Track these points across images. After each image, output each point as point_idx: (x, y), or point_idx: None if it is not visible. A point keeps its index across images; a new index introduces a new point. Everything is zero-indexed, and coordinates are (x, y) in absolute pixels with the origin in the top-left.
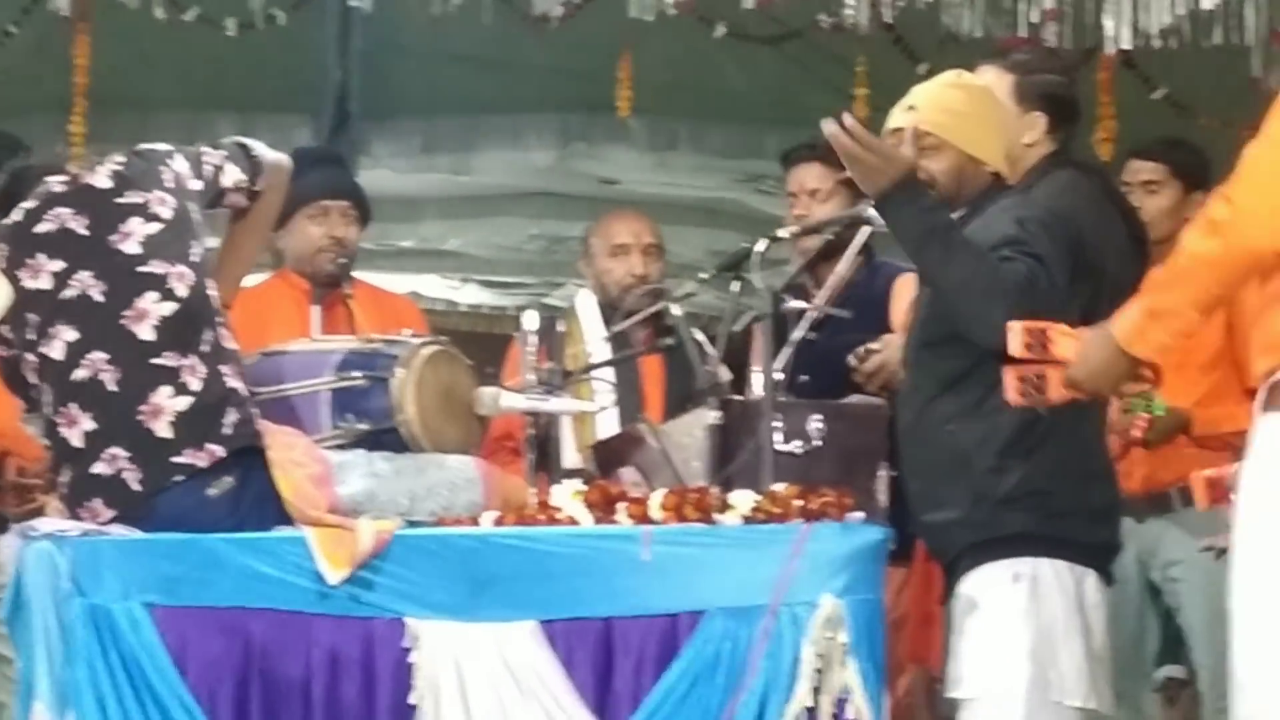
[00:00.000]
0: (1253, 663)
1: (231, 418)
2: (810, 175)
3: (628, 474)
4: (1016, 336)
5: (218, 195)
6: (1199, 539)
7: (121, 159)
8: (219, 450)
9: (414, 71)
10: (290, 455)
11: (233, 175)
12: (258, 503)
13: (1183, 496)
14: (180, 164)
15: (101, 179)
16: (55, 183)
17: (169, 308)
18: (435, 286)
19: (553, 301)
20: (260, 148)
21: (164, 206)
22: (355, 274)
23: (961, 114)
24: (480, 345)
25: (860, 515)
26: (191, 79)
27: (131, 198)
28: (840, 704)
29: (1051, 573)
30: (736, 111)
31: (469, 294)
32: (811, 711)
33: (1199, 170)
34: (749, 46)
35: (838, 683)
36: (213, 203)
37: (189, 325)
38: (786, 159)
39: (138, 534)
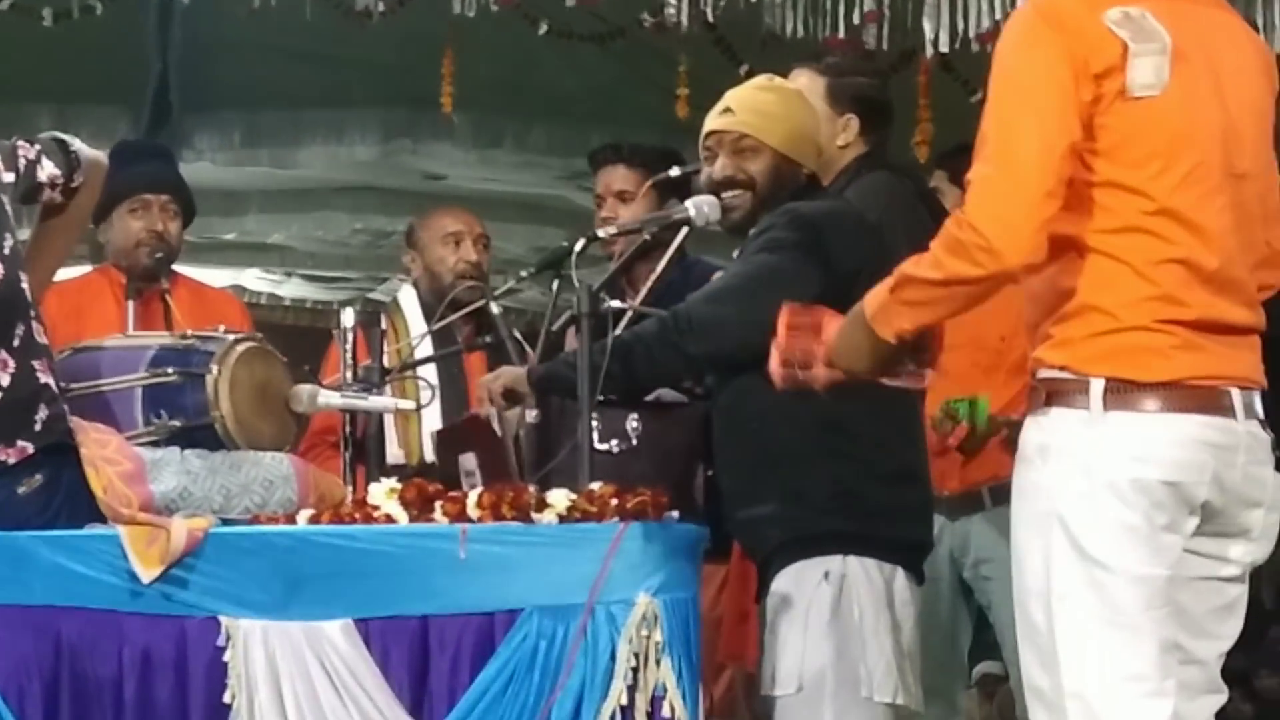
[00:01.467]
0: (1031, 653)
1: (42, 414)
2: (616, 177)
3: (465, 462)
4: (783, 316)
5: (32, 189)
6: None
7: None
8: (29, 447)
9: (235, 64)
10: (102, 452)
11: (49, 170)
12: (69, 500)
13: (994, 495)
14: None
15: None
16: None
17: None
18: (258, 280)
19: (376, 296)
20: (78, 144)
21: None
22: (177, 268)
23: (776, 116)
24: (304, 339)
25: (676, 514)
26: (8, 70)
27: None
28: (655, 702)
29: (860, 570)
30: (560, 109)
31: (292, 288)
32: (627, 709)
33: None
34: (572, 44)
35: (653, 681)
36: (26, 197)
37: None
38: (593, 160)
39: None
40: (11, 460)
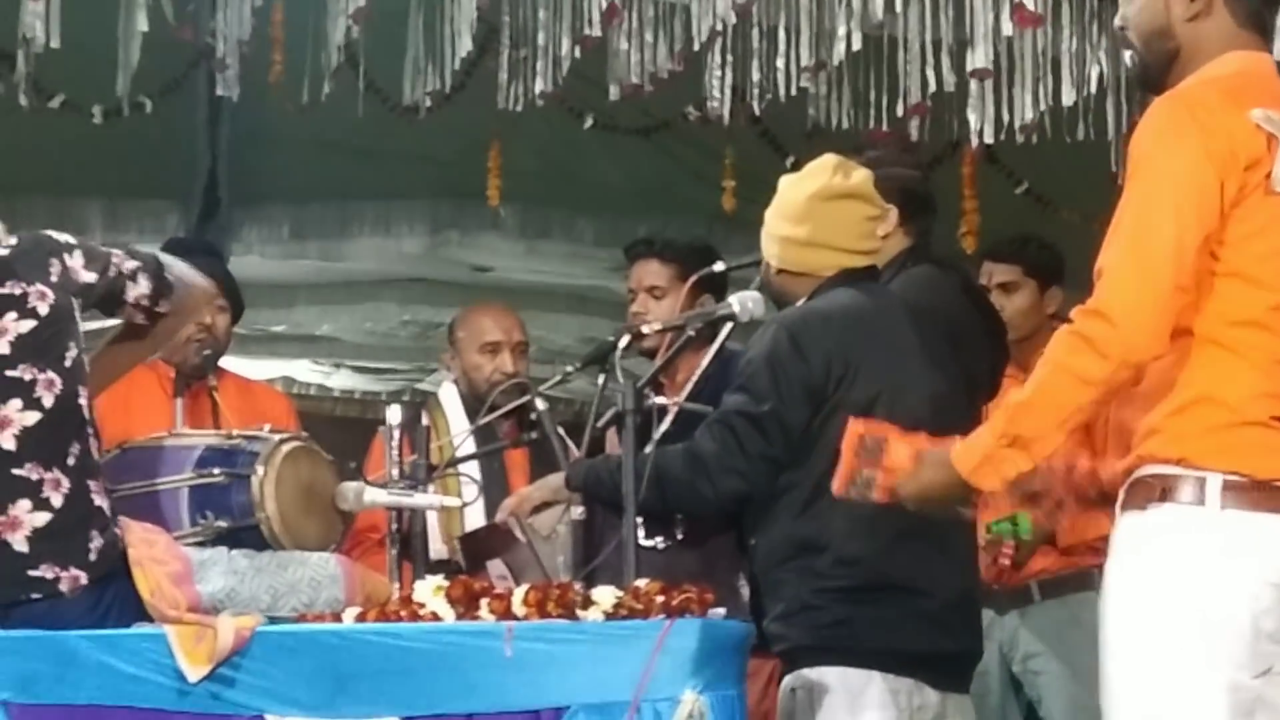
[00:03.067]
0: None
1: (96, 542)
2: (648, 272)
3: (495, 568)
4: (850, 439)
5: (115, 301)
6: (1058, 632)
7: (12, 241)
8: (82, 577)
9: (284, 158)
10: (150, 552)
11: (140, 289)
12: (118, 600)
13: (1042, 589)
14: (76, 259)
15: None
16: None
17: (33, 417)
18: (307, 372)
19: (425, 387)
20: (179, 268)
21: (43, 302)
22: (225, 361)
23: (787, 239)
24: (352, 430)
25: (722, 611)
26: (59, 166)
27: (10, 288)
28: None
29: (834, 679)
30: (606, 201)
31: (341, 379)
32: None
33: (1053, 265)
34: (618, 137)
35: None
36: (105, 306)
37: (54, 436)
38: (628, 254)
39: None
40: (64, 588)
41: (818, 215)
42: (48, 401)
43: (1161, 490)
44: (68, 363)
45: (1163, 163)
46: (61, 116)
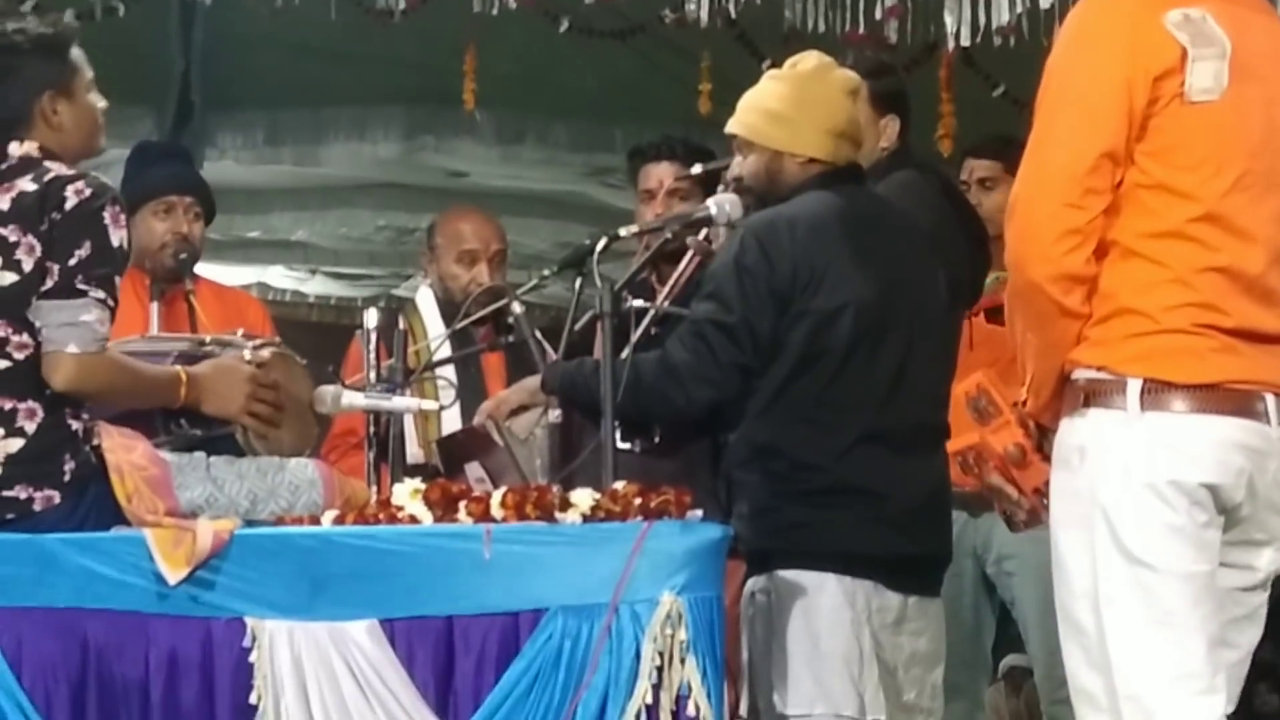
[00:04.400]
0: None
1: (69, 464)
2: (666, 174)
3: (473, 470)
4: (956, 402)
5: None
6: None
7: (33, 175)
8: (56, 496)
9: (258, 63)
10: (129, 457)
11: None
12: (96, 505)
13: None
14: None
15: (3, 197)
16: None
17: (2, 365)
18: (282, 278)
19: (400, 293)
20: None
21: (29, 256)
22: (200, 268)
23: (772, 112)
24: (328, 336)
25: (699, 513)
26: None
27: (5, 231)
28: (680, 701)
29: (786, 584)
30: (583, 105)
31: (316, 285)
32: (651, 709)
33: None
34: (594, 41)
35: (678, 680)
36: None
37: (24, 380)
38: (640, 156)
39: None
40: (37, 507)
41: (805, 93)
42: (18, 356)
43: (1086, 395)
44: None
45: (1067, 75)
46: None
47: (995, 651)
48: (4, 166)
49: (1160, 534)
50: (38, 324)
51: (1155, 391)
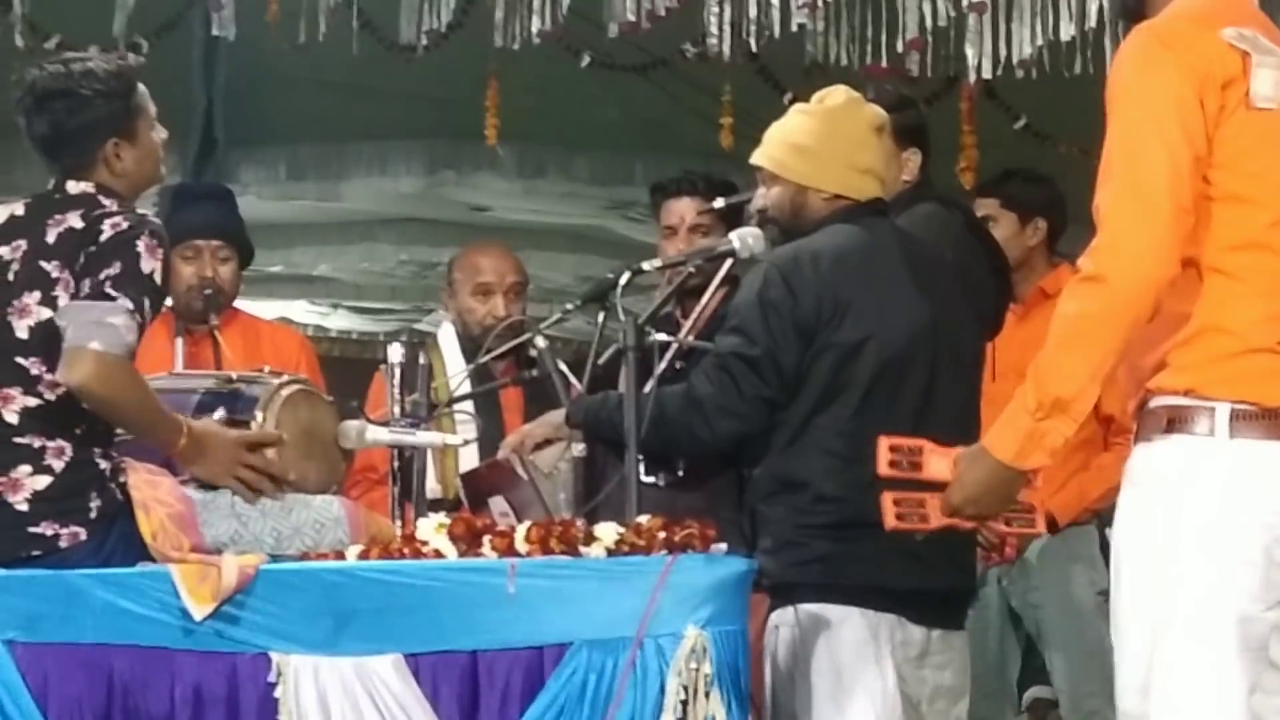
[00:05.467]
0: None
1: (95, 501)
2: (688, 209)
3: (496, 505)
4: (882, 453)
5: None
6: (1057, 567)
7: (83, 212)
8: (82, 533)
9: (280, 98)
10: (154, 494)
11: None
12: (121, 543)
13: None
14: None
15: (52, 230)
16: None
17: (32, 402)
18: (304, 312)
19: (422, 327)
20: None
21: (65, 293)
22: (240, 303)
23: (799, 147)
24: (350, 370)
25: (724, 546)
26: None
27: (48, 267)
28: None
29: (808, 618)
30: (604, 139)
31: (339, 320)
32: None
33: (1033, 198)
34: (615, 75)
35: (702, 713)
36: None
37: (55, 419)
38: (661, 191)
39: None
40: (64, 544)
41: (832, 129)
42: (49, 396)
43: (1169, 421)
44: None
45: (1141, 92)
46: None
47: (1019, 683)
48: (59, 197)
49: (1231, 569)
50: (63, 324)
51: (1245, 417)
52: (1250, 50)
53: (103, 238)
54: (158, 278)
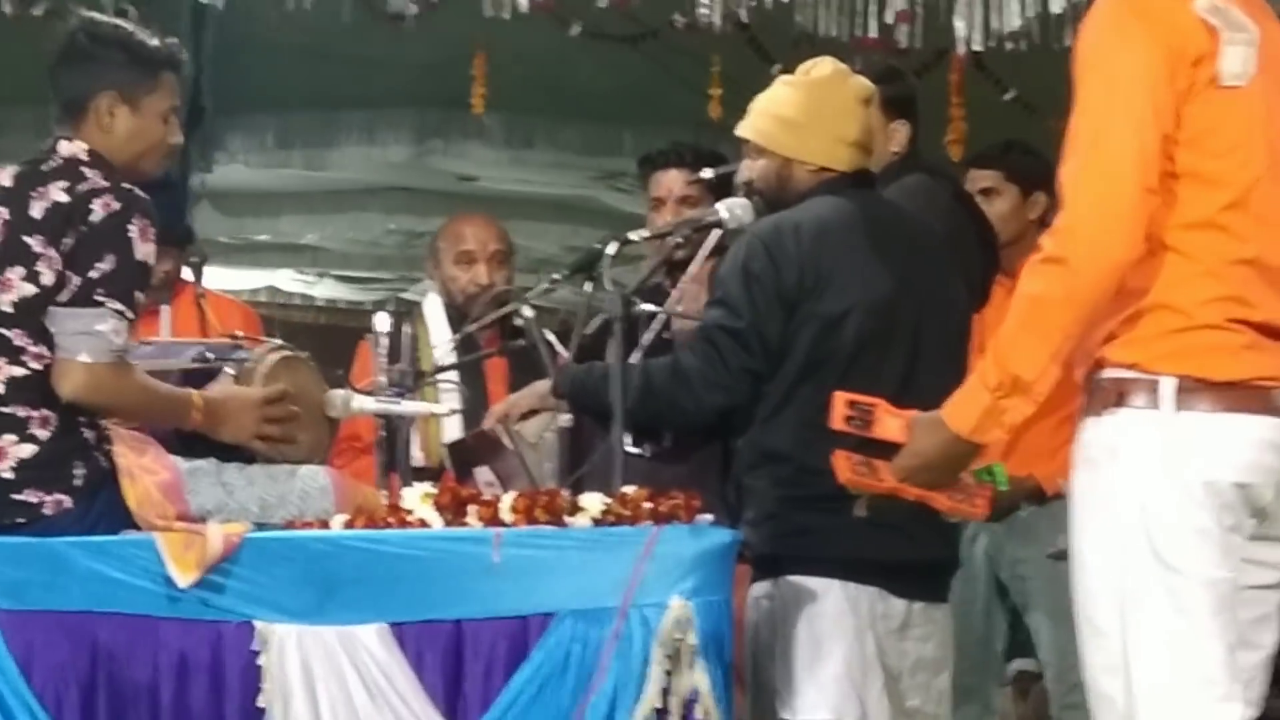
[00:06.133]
0: (1097, 657)
1: (80, 470)
2: (676, 181)
3: (482, 474)
4: (838, 409)
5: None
6: (1045, 539)
7: (68, 184)
8: (66, 500)
9: (268, 66)
10: (140, 461)
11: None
12: (106, 511)
13: (1029, 497)
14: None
15: (36, 204)
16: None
17: (18, 372)
18: (291, 281)
19: (409, 296)
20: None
21: (49, 269)
22: (210, 271)
23: (784, 119)
24: (336, 339)
25: (709, 517)
26: (40, 74)
27: (31, 241)
28: (689, 705)
29: (790, 590)
30: (593, 109)
31: (325, 289)
32: (661, 713)
33: (1035, 171)
34: (605, 45)
35: (687, 684)
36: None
37: (40, 388)
38: (649, 163)
39: None
40: (48, 511)
41: (818, 101)
42: (35, 365)
43: (1117, 395)
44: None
45: (1111, 64)
46: (46, 24)
47: (1004, 655)
48: (47, 167)
49: (1188, 537)
50: (52, 330)
51: (1188, 390)
52: (1221, 26)
53: (93, 218)
54: (150, 260)
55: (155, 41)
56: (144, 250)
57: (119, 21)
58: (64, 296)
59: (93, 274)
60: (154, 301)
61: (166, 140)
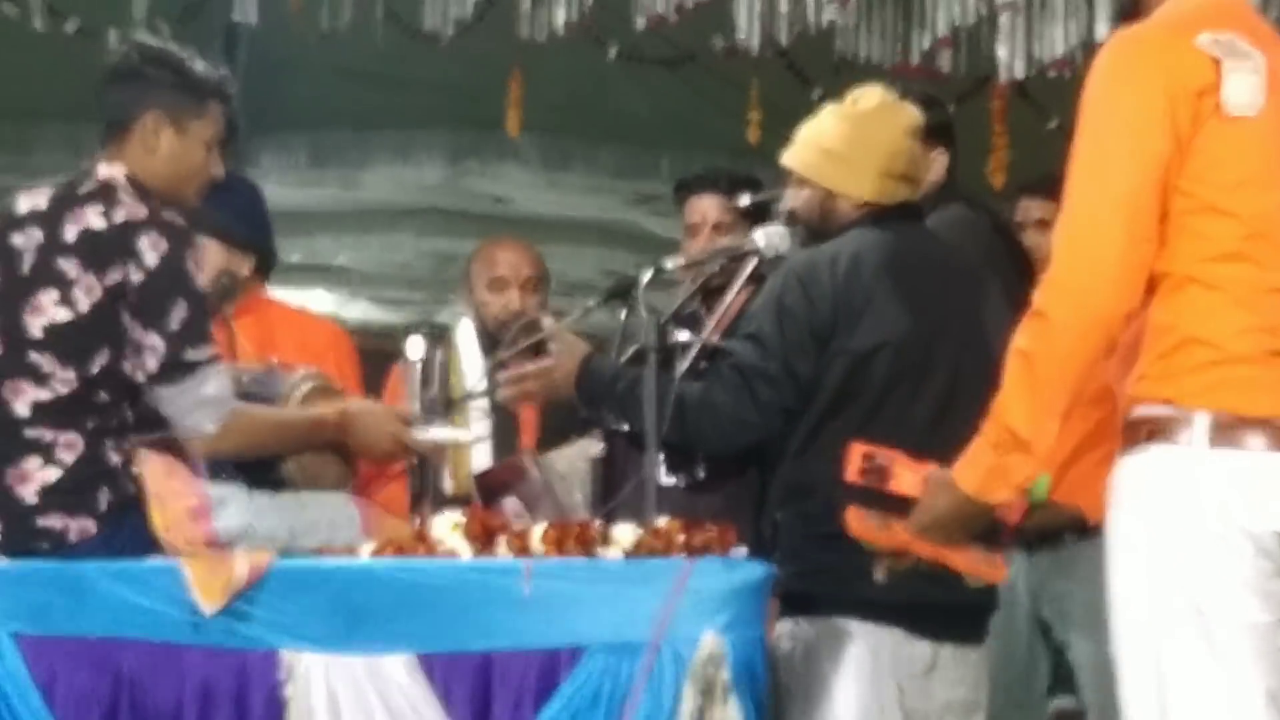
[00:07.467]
0: (1139, 704)
1: (106, 496)
2: (711, 207)
3: (510, 505)
4: (854, 460)
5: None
6: (1088, 573)
7: (104, 210)
8: (91, 527)
9: (302, 86)
10: (169, 485)
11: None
12: (132, 535)
13: (1074, 531)
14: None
15: (70, 227)
16: (24, 198)
17: (44, 396)
18: (324, 301)
19: (442, 318)
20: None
21: (88, 297)
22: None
23: (830, 151)
24: (367, 362)
25: (744, 551)
26: (73, 91)
27: (65, 265)
28: None
29: (810, 630)
30: (629, 132)
31: (358, 309)
32: None
33: None
34: (642, 68)
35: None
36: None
37: (66, 412)
38: (684, 188)
39: (3, 561)
40: (73, 538)
41: (864, 134)
42: (61, 390)
43: (1149, 431)
44: (93, 369)
45: (1109, 107)
46: (76, 41)
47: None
48: (82, 191)
49: (1225, 582)
50: (166, 413)
51: (1225, 426)
52: (1224, 56)
53: (148, 261)
54: (204, 285)
55: (207, 69)
56: (200, 279)
57: (172, 45)
58: (152, 363)
59: (174, 327)
60: (216, 308)
61: (207, 168)
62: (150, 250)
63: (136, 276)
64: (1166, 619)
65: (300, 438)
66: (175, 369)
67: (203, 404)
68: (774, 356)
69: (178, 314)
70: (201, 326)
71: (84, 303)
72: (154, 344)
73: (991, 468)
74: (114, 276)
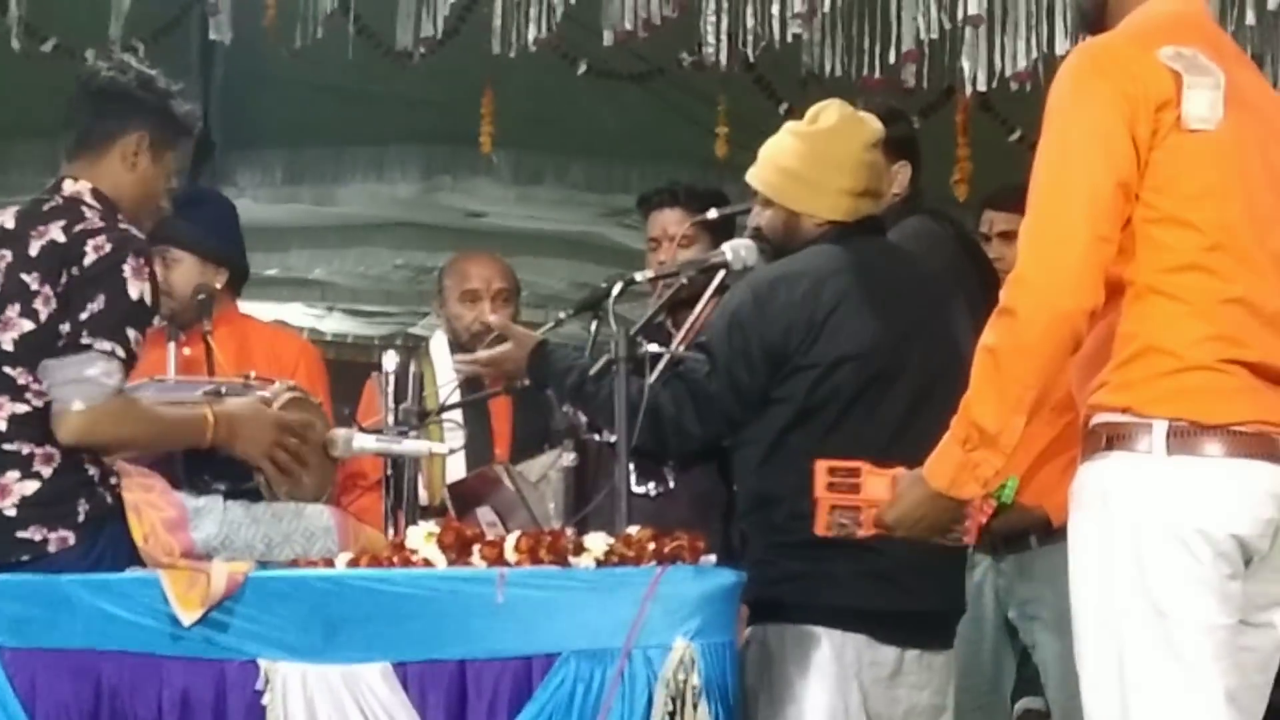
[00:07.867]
0: (1098, 705)
1: (84, 506)
2: (672, 221)
3: (484, 515)
4: (820, 476)
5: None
6: (1054, 577)
7: (66, 223)
8: (71, 538)
9: (277, 102)
10: (147, 497)
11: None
12: (111, 546)
13: (1039, 535)
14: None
15: (34, 243)
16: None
17: (20, 409)
18: (300, 315)
19: (417, 331)
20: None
21: (45, 307)
22: (247, 304)
23: (789, 171)
24: (345, 374)
25: (713, 558)
26: (51, 110)
27: (29, 279)
28: None
29: (776, 637)
30: (600, 146)
31: (334, 323)
32: None
33: None
34: (612, 83)
35: None
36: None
37: (43, 425)
38: (646, 203)
39: None
40: (52, 549)
41: (824, 153)
42: (36, 403)
43: (1108, 438)
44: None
45: (1068, 116)
46: (54, 60)
47: (1012, 695)
48: (47, 207)
49: (1184, 584)
50: (45, 383)
51: (1183, 434)
52: (1184, 71)
53: (86, 261)
54: (147, 298)
55: (187, 108)
56: (139, 288)
57: (160, 76)
58: (58, 344)
59: (82, 316)
60: (195, 322)
61: (164, 198)
62: (92, 252)
63: (74, 273)
64: (1127, 621)
65: (179, 435)
66: (67, 347)
67: (79, 381)
68: (719, 368)
69: (93, 306)
70: (113, 324)
71: (43, 313)
72: (64, 330)
73: (960, 463)
74: (62, 282)
